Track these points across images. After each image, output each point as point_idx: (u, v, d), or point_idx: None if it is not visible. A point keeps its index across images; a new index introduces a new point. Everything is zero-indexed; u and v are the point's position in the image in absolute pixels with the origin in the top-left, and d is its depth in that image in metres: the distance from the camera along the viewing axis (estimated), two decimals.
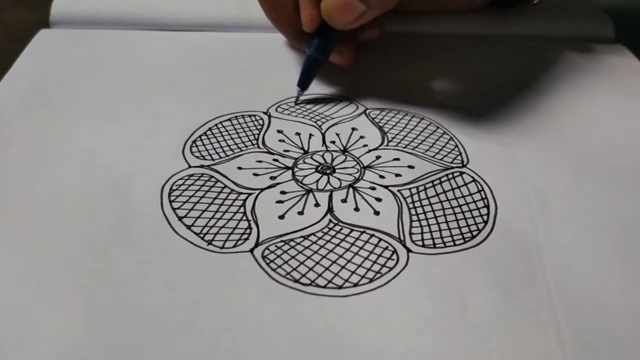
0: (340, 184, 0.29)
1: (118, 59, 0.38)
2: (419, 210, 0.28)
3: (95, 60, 0.37)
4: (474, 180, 0.29)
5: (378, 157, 0.31)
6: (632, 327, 0.23)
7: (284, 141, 0.32)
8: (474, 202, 0.28)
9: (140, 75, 0.36)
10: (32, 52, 0.38)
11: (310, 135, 0.32)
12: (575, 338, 0.22)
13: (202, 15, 0.41)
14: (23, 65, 0.37)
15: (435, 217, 0.27)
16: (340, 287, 0.24)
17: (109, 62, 0.37)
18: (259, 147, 0.31)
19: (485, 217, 0.27)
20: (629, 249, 0.26)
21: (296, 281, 0.24)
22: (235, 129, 0.32)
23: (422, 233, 0.26)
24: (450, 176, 0.29)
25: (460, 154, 0.31)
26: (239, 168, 0.30)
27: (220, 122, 0.33)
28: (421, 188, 0.29)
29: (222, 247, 0.25)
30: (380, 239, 0.26)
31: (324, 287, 0.24)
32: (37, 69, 0.36)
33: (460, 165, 0.30)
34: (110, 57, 0.38)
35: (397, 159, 0.30)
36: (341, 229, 0.26)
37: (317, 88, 0.36)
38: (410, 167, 0.30)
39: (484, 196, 0.28)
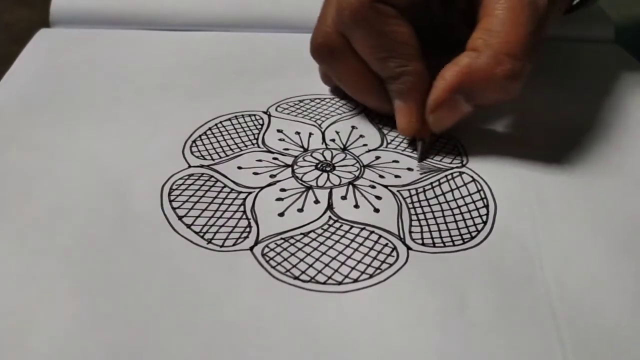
0: (340, 181, 0.29)
1: (118, 58, 0.38)
2: (419, 210, 0.27)
3: (95, 60, 0.37)
4: (474, 180, 0.29)
5: (377, 158, 0.31)
6: (631, 326, 0.23)
7: (283, 140, 0.32)
8: (473, 202, 0.28)
9: (140, 75, 0.36)
10: (32, 52, 0.38)
11: (310, 134, 0.32)
12: (574, 337, 0.22)
13: (202, 14, 0.41)
14: (22, 65, 0.37)
15: (435, 217, 0.27)
16: (340, 283, 0.24)
17: (109, 61, 0.37)
18: (258, 147, 0.31)
19: (484, 218, 0.27)
20: (627, 249, 0.26)
21: (296, 278, 0.24)
22: (235, 129, 0.32)
23: (421, 232, 0.26)
24: (449, 177, 0.29)
25: (460, 154, 0.31)
26: (239, 168, 0.30)
27: (220, 122, 0.33)
28: (420, 190, 0.29)
29: (222, 246, 0.25)
30: (380, 236, 0.26)
31: (324, 283, 0.24)
32: (36, 69, 0.36)
33: (460, 165, 0.30)
34: (110, 56, 0.38)
35: (396, 161, 0.30)
36: (341, 226, 0.26)
37: (317, 88, 0.36)
38: (409, 169, 0.30)
39: (483, 196, 0.28)
